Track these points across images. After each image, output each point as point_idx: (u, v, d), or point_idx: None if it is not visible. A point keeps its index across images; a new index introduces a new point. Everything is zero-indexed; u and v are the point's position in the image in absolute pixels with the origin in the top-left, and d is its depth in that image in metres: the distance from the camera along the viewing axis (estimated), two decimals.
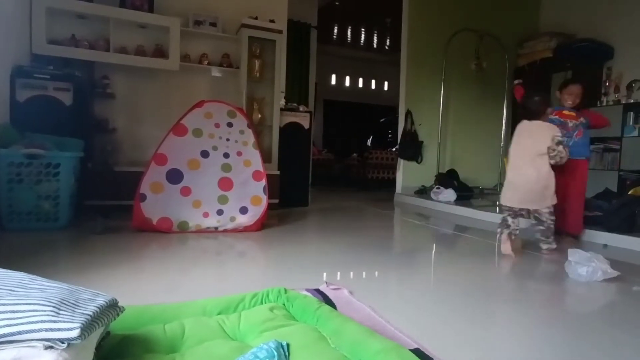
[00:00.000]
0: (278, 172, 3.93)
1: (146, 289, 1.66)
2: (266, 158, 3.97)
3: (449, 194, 4.52)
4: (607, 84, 5.17)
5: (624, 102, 4.88)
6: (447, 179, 4.84)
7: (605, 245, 2.72)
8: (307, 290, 1.50)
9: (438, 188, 4.69)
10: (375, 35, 9.83)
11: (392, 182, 5.85)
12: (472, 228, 3.50)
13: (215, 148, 2.76)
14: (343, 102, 10.75)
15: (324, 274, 1.90)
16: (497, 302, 1.66)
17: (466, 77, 5.47)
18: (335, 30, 9.54)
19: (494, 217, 3.70)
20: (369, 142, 10.41)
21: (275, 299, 1.10)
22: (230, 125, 2.85)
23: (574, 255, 1.92)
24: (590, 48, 5.14)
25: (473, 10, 5.49)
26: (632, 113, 4.76)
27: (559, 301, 1.77)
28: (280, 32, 3.93)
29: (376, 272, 2.01)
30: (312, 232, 3.08)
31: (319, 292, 1.49)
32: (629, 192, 3.18)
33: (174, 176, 2.63)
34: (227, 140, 2.82)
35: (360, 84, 11.15)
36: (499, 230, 2.55)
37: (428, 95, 5.30)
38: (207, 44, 3.90)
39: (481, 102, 5.61)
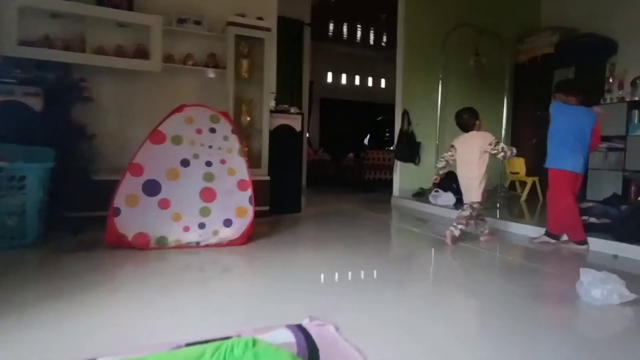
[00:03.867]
0: (268, 178, 3.74)
1: (122, 311, 1.56)
2: (256, 163, 3.79)
3: (448, 198, 4.34)
4: (610, 80, 4.99)
5: (628, 99, 4.69)
6: (446, 181, 4.65)
7: (615, 256, 2.54)
8: (288, 326, 1.32)
9: (436, 191, 4.51)
10: (372, 31, 9.62)
11: (389, 183, 5.65)
12: (472, 234, 3.31)
13: (196, 156, 2.57)
14: (340, 100, 10.55)
15: (310, 301, 1.72)
16: (506, 327, 1.48)
17: (465, 74, 5.28)
18: (331, 27, 9.32)
19: (494, 223, 3.53)
20: (366, 141, 10.22)
21: (240, 355, 0.92)
22: (213, 131, 2.66)
23: (587, 275, 1.74)
24: (593, 43, 4.96)
25: (471, 4, 5.29)
26: (637, 111, 4.58)
27: (571, 326, 1.60)
28: (268, 30, 3.73)
29: (369, 301, 1.81)
30: (303, 246, 2.88)
31: (300, 330, 1.31)
32: None
33: (151, 187, 2.44)
34: (210, 147, 2.63)
35: (357, 82, 10.96)
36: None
37: (425, 94, 5.11)
38: (192, 43, 3.69)
39: (481, 100, 5.40)
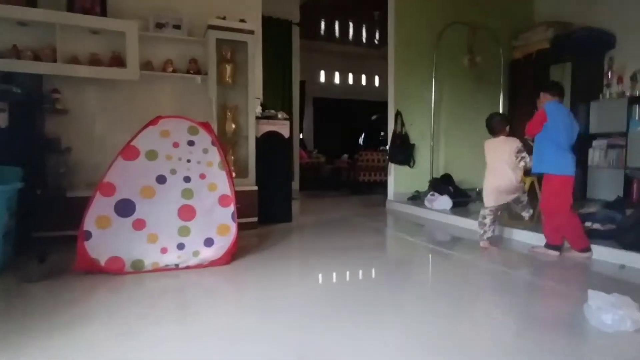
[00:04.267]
0: (256, 188, 3.57)
1: (96, 344, 1.49)
2: (243, 172, 3.63)
3: (444, 202, 4.19)
4: (609, 75, 4.83)
5: (628, 94, 4.54)
6: (442, 184, 4.50)
7: (622, 266, 2.40)
8: None
9: (432, 195, 4.35)
10: (364, 29, 9.46)
11: (384, 185, 5.48)
12: (469, 240, 3.17)
13: (173, 172, 2.40)
14: (333, 99, 10.38)
15: (296, 331, 1.57)
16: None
17: (459, 73, 5.11)
18: (322, 26, 9.14)
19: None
20: (361, 140, 10.06)
21: None
22: (191, 143, 2.49)
23: (596, 298, 1.59)
24: (590, 37, 4.79)
25: (464, 1, 5.12)
26: (637, 106, 4.43)
27: (580, 357, 1.44)
28: (252, 32, 3.55)
29: (360, 331, 1.66)
30: (290, 263, 2.70)
31: None
32: None
33: (125, 208, 2.27)
34: (188, 161, 2.45)
35: (351, 80, 10.78)
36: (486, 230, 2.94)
37: (418, 94, 4.94)
38: (171, 49, 3.52)
39: (476, 99, 5.26)
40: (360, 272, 2.43)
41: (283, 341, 1.51)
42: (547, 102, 2.64)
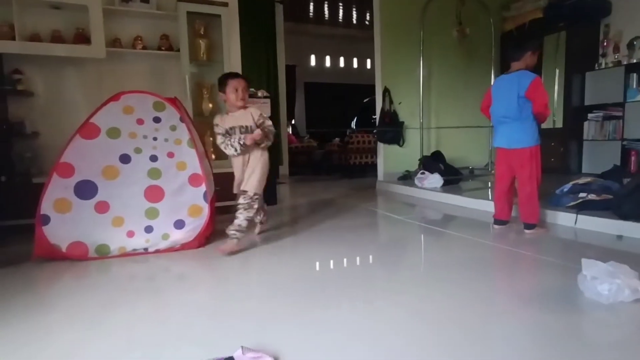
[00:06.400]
0: None
1: (59, 332, 1.37)
2: (222, 153, 3.45)
3: (435, 180, 4.04)
4: (605, 43, 4.64)
5: (625, 62, 4.36)
6: (432, 162, 4.35)
7: (619, 237, 2.26)
8: None
9: (423, 173, 4.20)
10: (354, 9, 9.19)
11: (377, 167, 5.34)
12: (461, 218, 3.05)
13: (138, 150, 2.24)
14: (325, 83, 10.17)
15: (266, 318, 1.43)
16: (494, 339, 1.19)
17: (448, 46, 4.92)
18: (311, 7, 8.87)
19: (484, 205, 3.24)
20: (353, 124, 9.87)
21: None
22: (157, 120, 2.32)
23: (591, 268, 1.45)
24: (585, 4, 4.59)
25: None
26: (635, 75, 4.26)
27: (575, 332, 1.31)
28: (225, 4, 3.34)
29: (329, 320, 1.52)
30: (269, 246, 2.55)
31: None
32: None
33: (85, 189, 2.11)
34: (155, 139, 2.28)
35: (342, 64, 10.54)
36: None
37: (407, 70, 4.74)
38: (140, 24, 3.31)
39: (466, 73, 5.08)
40: (339, 256, 2.29)
41: (265, 327, 1.35)
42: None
